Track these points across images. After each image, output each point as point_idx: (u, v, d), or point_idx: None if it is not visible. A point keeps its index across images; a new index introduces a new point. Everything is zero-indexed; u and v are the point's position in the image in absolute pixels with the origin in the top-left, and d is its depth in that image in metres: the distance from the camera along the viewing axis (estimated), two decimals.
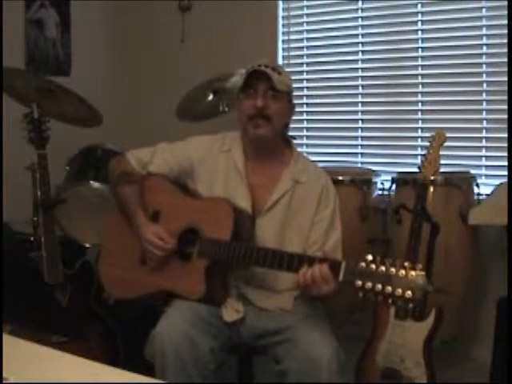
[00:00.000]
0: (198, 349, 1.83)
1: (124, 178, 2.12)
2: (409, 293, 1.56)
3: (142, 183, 2.11)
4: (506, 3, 2.83)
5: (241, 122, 2.06)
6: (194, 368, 1.82)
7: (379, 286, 1.59)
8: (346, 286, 1.68)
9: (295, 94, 3.53)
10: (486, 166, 3.05)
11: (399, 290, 1.57)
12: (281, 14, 3.61)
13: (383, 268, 1.60)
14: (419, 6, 3.22)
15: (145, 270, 2.04)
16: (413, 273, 1.57)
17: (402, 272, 1.58)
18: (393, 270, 1.59)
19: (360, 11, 3.39)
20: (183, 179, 2.12)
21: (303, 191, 2.06)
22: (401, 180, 2.84)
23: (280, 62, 3.61)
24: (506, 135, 2.79)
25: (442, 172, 2.41)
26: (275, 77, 1.99)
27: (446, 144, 2.27)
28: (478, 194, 2.81)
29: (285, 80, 2.04)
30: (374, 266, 1.62)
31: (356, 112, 3.46)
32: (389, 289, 1.58)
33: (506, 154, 2.79)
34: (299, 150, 2.21)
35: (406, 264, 1.59)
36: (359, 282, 1.62)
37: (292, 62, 3.60)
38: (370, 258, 1.63)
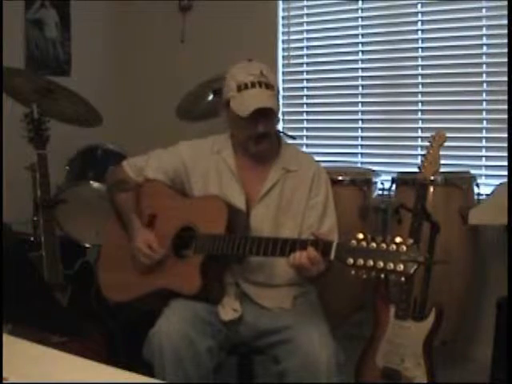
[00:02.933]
0: (196, 348, 1.84)
1: (120, 185, 2.17)
2: (400, 266, 1.56)
3: (138, 189, 2.16)
4: (506, 3, 2.83)
5: (237, 136, 2.10)
6: (192, 367, 1.83)
7: (371, 262, 1.59)
8: (338, 263, 1.68)
9: (295, 94, 3.60)
10: (486, 166, 3.05)
11: (391, 264, 1.57)
12: (281, 14, 3.61)
13: (374, 244, 1.61)
14: (419, 5, 3.22)
15: (142, 272, 2.06)
16: (403, 247, 1.57)
17: (393, 247, 1.58)
18: (383, 245, 1.59)
19: (360, 11, 3.39)
20: (179, 182, 2.15)
21: (294, 179, 2.09)
22: (401, 180, 2.84)
23: (280, 62, 3.62)
24: (506, 135, 2.79)
25: (442, 172, 2.41)
26: (271, 101, 1.99)
27: (446, 144, 2.27)
28: (478, 194, 2.81)
29: (275, 92, 2.04)
30: (364, 244, 1.62)
31: (356, 112, 3.46)
32: (380, 264, 1.58)
33: (506, 154, 2.78)
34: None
35: (397, 239, 1.59)
36: (351, 260, 1.62)
37: (292, 62, 3.60)
38: (360, 236, 1.64)
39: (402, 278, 1.59)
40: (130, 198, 2.14)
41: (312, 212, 2.07)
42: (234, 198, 2.05)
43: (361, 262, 1.60)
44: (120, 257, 2.13)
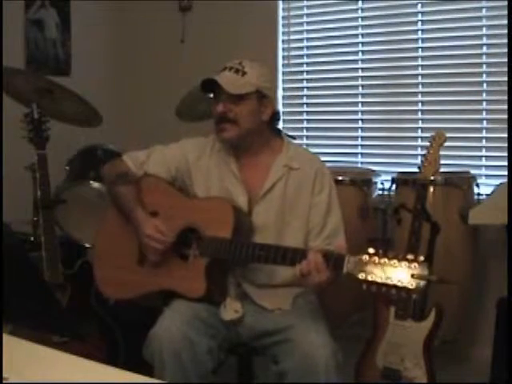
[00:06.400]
0: (196, 349, 1.84)
1: (121, 178, 2.13)
2: (412, 283, 1.57)
3: (138, 184, 2.12)
4: (506, 3, 2.84)
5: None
6: (192, 368, 1.82)
7: (381, 278, 1.60)
8: (348, 278, 1.68)
9: (295, 94, 3.61)
10: (486, 166, 3.06)
11: (401, 281, 1.57)
12: (281, 14, 3.61)
13: (385, 260, 1.61)
14: (419, 6, 3.22)
15: (143, 270, 2.04)
16: (415, 264, 1.58)
17: (405, 263, 1.59)
18: (395, 261, 1.60)
19: (360, 11, 3.39)
20: (180, 179, 2.13)
21: (297, 177, 2.07)
22: (401, 180, 2.85)
23: (280, 62, 3.62)
24: (506, 135, 2.79)
25: (442, 172, 2.41)
26: (230, 81, 1.98)
27: (446, 144, 2.27)
28: (478, 194, 2.82)
29: (249, 80, 2.00)
30: (376, 259, 1.62)
31: (356, 112, 3.47)
32: (391, 280, 1.59)
33: (506, 153, 2.79)
34: None
35: (408, 256, 1.60)
36: (362, 275, 1.62)
37: (292, 61, 3.60)
38: (371, 250, 1.64)
39: (414, 296, 1.59)
40: (133, 190, 2.10)
41: (315, 210, 2.04)
42: (236, 197, 2.04)
43: (371, 277, 1.61)
44: (119, 253, 2.10)
